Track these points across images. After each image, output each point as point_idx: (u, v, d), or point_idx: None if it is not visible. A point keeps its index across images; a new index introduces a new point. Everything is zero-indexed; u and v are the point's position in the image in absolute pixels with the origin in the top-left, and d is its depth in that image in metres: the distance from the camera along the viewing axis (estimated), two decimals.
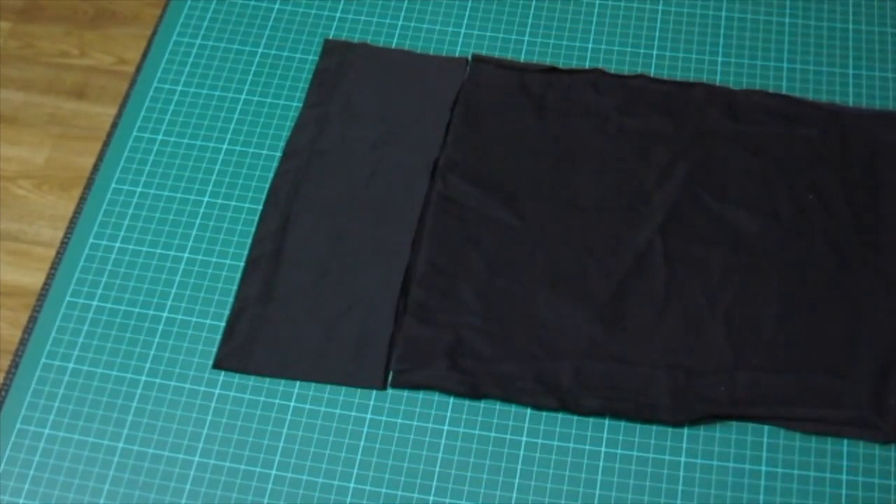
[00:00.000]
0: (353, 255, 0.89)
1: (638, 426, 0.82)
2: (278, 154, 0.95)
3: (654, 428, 0.82)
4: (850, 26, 1.02)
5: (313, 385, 0.84)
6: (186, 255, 0.90)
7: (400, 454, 0.81)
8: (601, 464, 0.81)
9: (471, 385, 0.83)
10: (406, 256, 0.89)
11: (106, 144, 0.97)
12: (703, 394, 0.81)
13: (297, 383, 0.84)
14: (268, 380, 0.84)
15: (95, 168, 0.96)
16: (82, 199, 0.94)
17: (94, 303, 0.88)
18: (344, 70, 0.98)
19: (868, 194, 0.90)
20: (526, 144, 0.93)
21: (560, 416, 0.83)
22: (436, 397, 0.83)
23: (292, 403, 0.83)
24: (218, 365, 0.84)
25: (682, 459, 0.81)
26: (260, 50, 1.01)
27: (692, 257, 0.87)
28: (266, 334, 0.85)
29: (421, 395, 0.83)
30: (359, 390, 0.84)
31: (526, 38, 1.02)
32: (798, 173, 0.90)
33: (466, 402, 0.83)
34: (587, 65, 1.00)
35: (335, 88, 0.97)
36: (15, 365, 0.86)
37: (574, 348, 0.83)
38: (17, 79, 1.95)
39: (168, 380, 0.84)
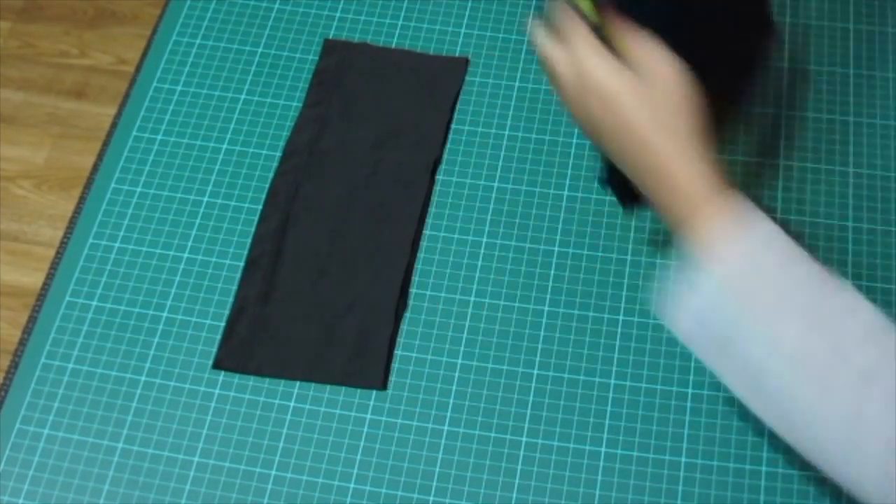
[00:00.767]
0: (353, 255, 0.89)
1: (638, 426, 0.82)
2: (278, 154, 0.95)
3: (654, 428, 0.82)
4: (851, 26, 1.02)
5: (313, 385, 0.84)
6: (186, 255, 0.90)
7: (400, 454, 0.81)
8: (601, 464, 0.81)
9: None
10: (406, 256, 0.89)
11: (106, 144, 0.97)
12: None
13: (297, 383, 0.84)
14: (268, 380, 0.84)
15: (95, 168, 0.96)
16: (82, 199, 0.94)
17: (94, 303, 0.88)
18: (344, 70, 0.98)
19: None
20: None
21: (560, 416, 0.83)
22: (436, 397, 0.83)
23: (292, 403, 0.83)
24: (218, 365, 0.84)
25: (683, 459, 0.81)
26: (260, 50, 1.01)
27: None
28: (266, 334, 0.85)
29: (421, 395, 0.83)
30: (359, 390, 0.84)
31: (526, 38, 1.02)
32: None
33: (466, 402, 0.83)
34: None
35: (335, 88, 0.97)
36: (15, 365, 0.86)
37: None
38: (17, 78, 1.95)
39: (168, 380, 0.84)
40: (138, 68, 1.01)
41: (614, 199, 0.82)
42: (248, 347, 0.85)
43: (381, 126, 0.95)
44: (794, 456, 0.80)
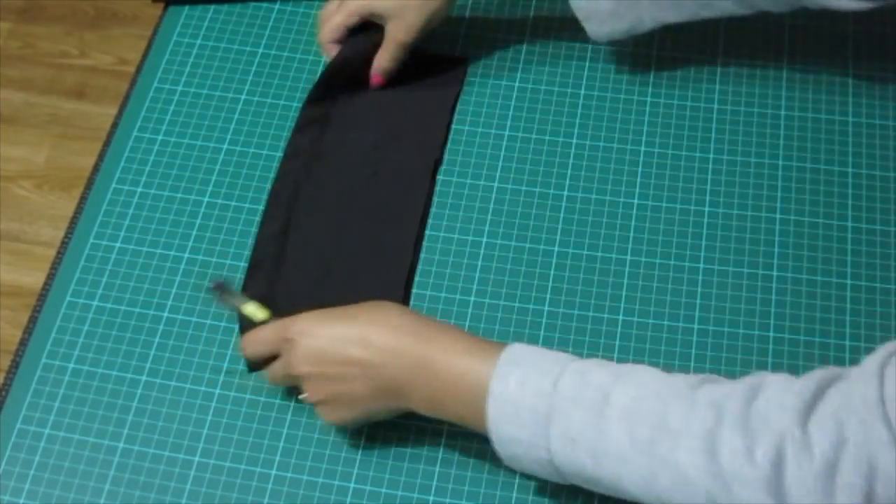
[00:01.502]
0: (357, 256, 0.89)
1: None
2: (278, 154, 0.95)
3: None
4: (850, 26, 1.02)
5: None
6: (186, 255, 0.90)
7: (400, 454, 0.81)
8: None
9: None
10: (409, 256, 0.89)
11: (106, 144, 0.97)
12: None
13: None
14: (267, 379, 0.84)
15: (95, 168, 0.96)
16: (82, 199, 0.94)
17: (95, 303, 0.88)
18: (345, 69, 0.98)
19: None
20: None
21: None
22: None
23: (292, 404, 0.83)
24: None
25: None
26: (260, 50, 1.01)
27: None
28: None
29: None
30: None
31: (525, 39, 1.02)
32: None
33: None
34: (587, 64, 1.00)
35: (336, 88, 0.97)
36: (15, 365, 0.86)
37: None
38: (18, 79, 1.95)
39: (168, 380, 0.84)
40: (139, 69, 1.02)
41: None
42: None
43: (381, 126, 0.95)
44: None
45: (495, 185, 0.94)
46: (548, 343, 0.86)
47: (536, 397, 0.70)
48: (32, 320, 0.88)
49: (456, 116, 0.97)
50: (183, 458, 0.81)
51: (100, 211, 0.93)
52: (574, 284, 0.89)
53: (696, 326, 0.87)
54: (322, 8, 1.00)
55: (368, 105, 0.97)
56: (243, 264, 0.89)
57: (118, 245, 0.91)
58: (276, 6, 1.04)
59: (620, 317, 0.87)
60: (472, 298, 0.88)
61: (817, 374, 0.67)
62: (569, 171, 0.94)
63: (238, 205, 0.93)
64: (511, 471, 0.80)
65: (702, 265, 0.90)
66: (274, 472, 0.81)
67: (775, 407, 0.65)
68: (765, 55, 1.00)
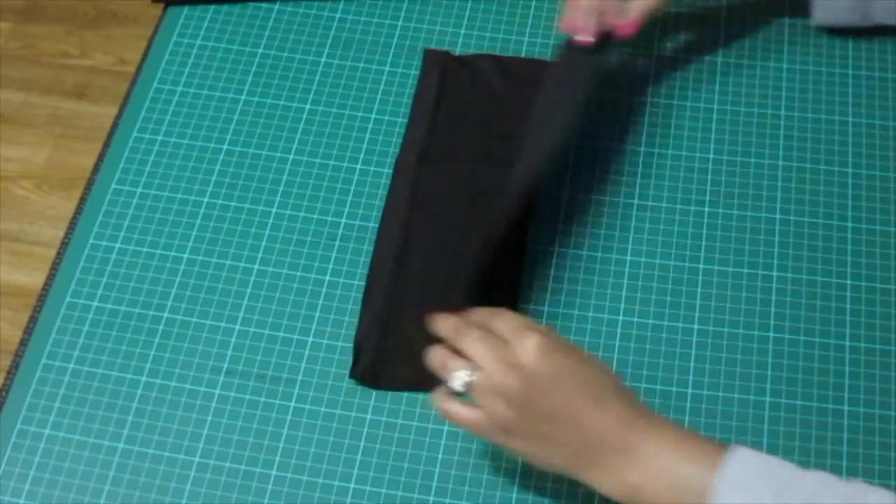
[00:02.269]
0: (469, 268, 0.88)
1: None
2: (278, 154, 0.95)
3: None
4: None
5: (313, 385, 0.84)
6: (186, 255, 0.90)
7: (400, 454, 0.81)
8: None
9: None
10: (516, 270, 0.88)
11: (106, 145, 0.97)
12: None
13: (298, 382, 0.84)
14: (266, 379, 0.84)
15: (96, 168, 0.96)
16: (82, 200, 0.94)
17: (95, 303, 0.88)
18: (444, 79, 0.98)
19: None
20: None
21: None
22: None
23: (292, 404, 0.83)
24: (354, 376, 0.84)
25: None
26: (260, 50, 1.01)
27: None
28: (395, 351, 0.85)
29: (421, 395, 0.84)
30: (359, 390, 0.84)
31: (526, 39, 1.02)
32: None
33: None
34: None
35: (439, 98, 0.97)
36: (15, 365, 0.86)
37: None
38: (18, 79, 1.95)
39: (168, 380, 0.84)
40: (139, 69, 1.02)
41: None
42: (377, 365, 0.84)
43: (486, 133, 0.95)
44: (793, 457, 0.80)
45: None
46: None
47: None
48: (32, 320, 0.88)
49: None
50: (183, 458, 0.81)
51: (100, 211, 0.93)
52: (574, 285, 0.89)
53: (696, 327, 0.87)
54: None
55: (472, 113, 0.96)
56: (243, 265, 0.89)
57: (118, 245, 0.91)
58: (276, 6, 1.04)
59: (620, 317, 0.87)
60: None
61: None
62: (569, 172, 0.94)
63: (238, 205, 0.93)
64: (511, 471, 0.80)
65: (702, 265, 0.90)
66: (274, 472, 0.81)
67: None
68: (765, 55, 1.00)
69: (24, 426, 0.83)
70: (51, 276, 0.90)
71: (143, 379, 0.84)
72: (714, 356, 0.85)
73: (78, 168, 1.85)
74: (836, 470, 0.80)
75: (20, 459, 0.81)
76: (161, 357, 0.85)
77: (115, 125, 0.99)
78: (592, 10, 0.91)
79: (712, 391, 0.84)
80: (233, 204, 0.93)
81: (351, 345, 0.86)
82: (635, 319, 0.87)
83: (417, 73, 0.99)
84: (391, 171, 0.94)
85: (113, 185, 0.94)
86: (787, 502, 0.63)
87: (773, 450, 0.81)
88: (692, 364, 0.85)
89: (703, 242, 0.91)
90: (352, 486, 0.80)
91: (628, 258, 0.90)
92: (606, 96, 0.98)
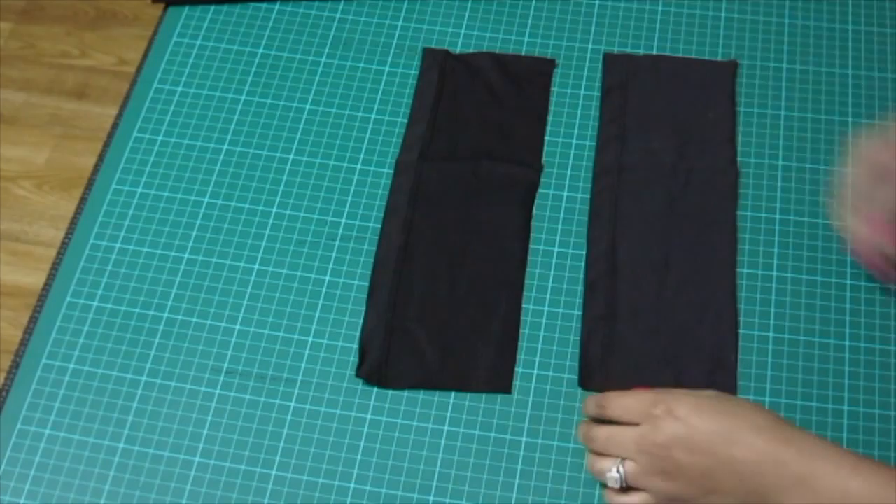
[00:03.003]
0: (681, 265, 0.88)
1: None
2: (278, 154, 0.95)
3: None
4: (850, 27, 1.02)
5: (313, 385, 0.84)
6: (186, 255, 0.90)
7: (400, 454, 0.81)
8: None
9: None
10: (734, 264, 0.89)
11: (106, 145, 0.97)
12: None
13: (298, 382, 0.84)
14: (266, 379, 0.84)
15: (96, 168, 0.96)
16: (83, 200, 0.94)
17: (95, 303, 0.88)
18: (627, 83, 0.98)
19: None
20: None
21: (560, 416, 0.83)
22: (436, 397, 0.84)
23: (293, 404, 0.83)
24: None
25: None
26: (260, 50, 1.01)
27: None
28: (618, 351, 0.85)
29: (421, 395, 0.84)
30: (359, 390, 0.84)
31: (526, 39, 1.02)
32: None
33: (466, 403, 0.83)
34: (587, 65, 1.00)
35: (625, 103, 0.97)
36: (15, 365, 0.86)
37: None
38: (18, 79, 1.95)
39: (168, 380, 0.84)
40: (139, 69, 1.02)
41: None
42: (604, 365, 0.85)
43: (677, 134, 0.95)
44: None
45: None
46: (548, 343, 0.86)
47: None
48: (32, 320, 0.88)
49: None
50: (183, 458, 0.81)
51: (100, 211, 0.93)
52: (574, 285, 0.89)
53: None
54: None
55: (662, 115, 0.96)
56: (243, 265, 0.89)
57: (118, 245, 0.91)
58: (276, 6, 1.04)
59: None
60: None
61: None
62: (568, 172, 0.94)
63: (238, 205, 0.93)
64: (511, 471, 0.80)
65: None
66: (274, 472, 0.81)
67: None
68: (764, 55, 1.00)
69: (24, 426, 0.83)
70: (51, 276, 0.90)
71: (143, 379, 0.84)
72: None
73: (78, 168, 1.85)
74: None
75: (20, 459, 0.81)
76: (161, 357, 0.85)
77: (115, 125, 0.98)
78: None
79: None
80: (233, 204, 0.93)
81: (351, 344, 0.86)
82: None
83: (417, 73, 0.99)
84: (391, 171, 0.94)
85: (113, 185, 0.94)
86: None
87: None
88: None
89: None
90: (352, 486, 0.80)
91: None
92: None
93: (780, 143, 0.96)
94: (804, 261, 0.90)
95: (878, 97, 0.98)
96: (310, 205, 0.93)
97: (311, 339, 0.86)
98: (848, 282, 0.88)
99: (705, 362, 0.84)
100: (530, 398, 0.83)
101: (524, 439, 0.82)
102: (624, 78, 0.98)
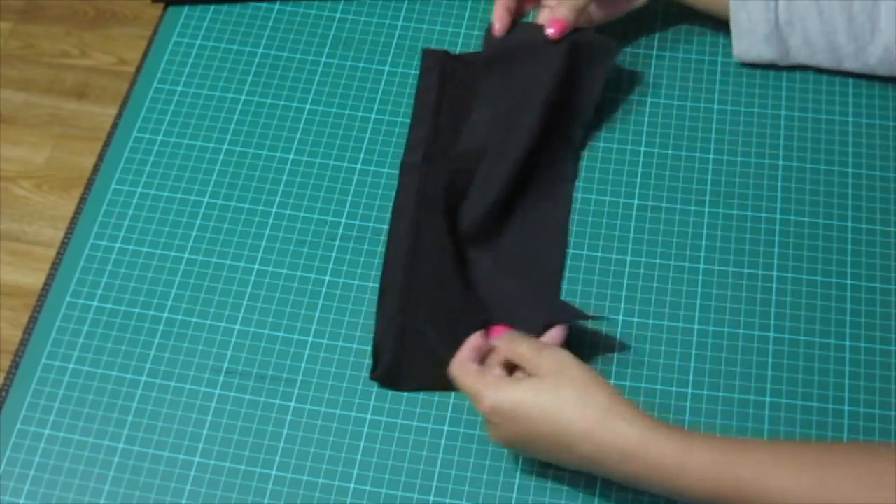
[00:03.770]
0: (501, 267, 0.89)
1: None
2: (278, 154, 0.95)
3: None
4: None
5: (313, 385, 0.84)
6: (186, 255, 0.90)
7: (400, 454, 0.81)
8: None
9: None
10: (560, 269, 0.89)
11: (106, 145, 0.97)
12: None
13: (298, 382, 0.84)
14: (267, 379, 0.84)
15: (96, 168, 0.96)
16: (82, 200, 0.94)
17: (95, 303, 0.88)
18: (443, 79, 0.98)
19: None
20: None
21: None
22: (436, 397, 0.84)
23: (292, 404, 0.83)
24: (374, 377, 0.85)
25: None
26: (260, 50, 1.01)
27: None
28: (412, 351, 0.85)
29: (421, 395, 0.84)
30: (359, 389, 0.84)
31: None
32: None
33: (466, 403, 0.83)
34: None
35: (440, 99, 0.97)
36: (15, 365, 0.86)
37: None
38: (18, 79, 1.95)
39: (168, 380, 0.84)
40: (139, 69, 1.02)
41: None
42: (395, 366, 0.85)
43: (492, 129, 0.94)
44: None
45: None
46: None
47: None
48: (32, 320, 0.88)
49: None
50: (183, 458, 0.81)
51: (100, 211, 0.93)
52: (574, 285, 0.89)
53: (696, 326, 0.87)
54: None
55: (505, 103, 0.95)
56: (243, 265, 0.90)
57: (118, 245, 0.91)
58: (276, 6, 1.04)
59: (620, 317, 0.87)
60: None
61: None
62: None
63: (238, 205, 0.93)
64: (511, 471, 0.80)
65: (702, 265, 0.90)
66: (274, 472, 0.81)
67: None
68: None
69: (24, 426, 0.83)
70: (51, 276, 0.90)
71: (143, 379, 0.84)
72: (714, 356, 0.85)
73: (78, 168, 1.85)
74: None
75: (20, 459, 0.81)
76: (161, 357, 0.85)
77: (115, 125, 0.99)
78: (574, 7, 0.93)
79: (712, 391, 0.84)
80: (233, 204, 0.93)
81: (351, 345, 0.86)
82: (635, 319, 0.87)
83: (417, 72, 0.99)
84: (391, 172, 0.94)
85: (113, 185, 0.94)
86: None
87: None
88: (692, 364, 0.85)
89: (703, 242, 0.91)
90: (352, 486, 0.80)
91: (628, 258, 0.90)
92: (607, 96, 0.98)
93: (781, 143, 0.96)
94: (804, 261, 0.90)
95: (879, 96, 0.98)
96: (310, 205, 0.93)
97: (311, 339, 0.86)
98: (848, 282, 0.89)
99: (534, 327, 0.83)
100: None
101: None
102: (440, 73, 0.97)
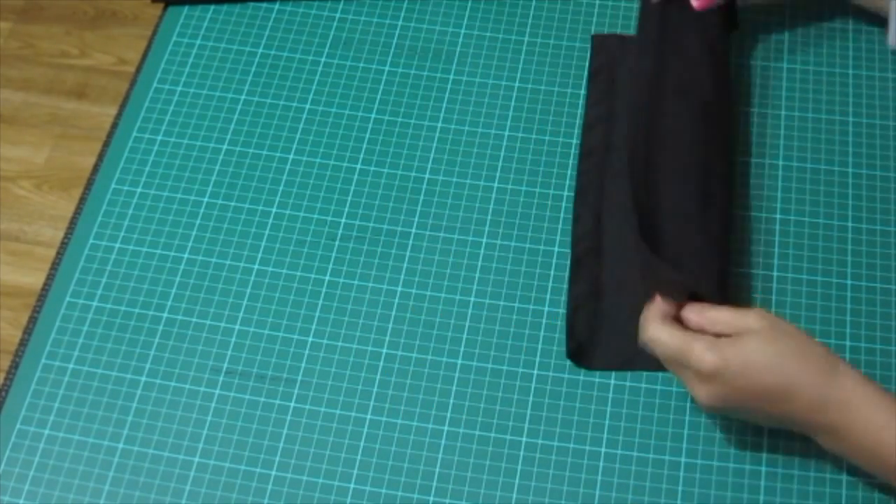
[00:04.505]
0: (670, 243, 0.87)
1: (638, 426, 0.82)
2: (278, 154, 0.95)
3: (654, 428, 0.82)
4: (850, 26, 1.02)
5: (313, 384, 0.84)
6: (186, 255, 0.90)
7: (400, 454, 0.81)
8: (601, 464, 0.81)
9: None
10: (724, 244, 0.88)
11: (106, 145, 0.97)
12: None
13: (298, 382, 0.84)
14: (267, 379, 0.84)
15: (95, 168, 0.96)
16: (82, 200, 0.94)
17: (94, 303, 0.88)
18: (614, 66, 0.98)
19: None
20: None
21: (560, 416, 0.83)
22: (436, 398, 0.84)
23: (292, 404, 0.83)
24: (574, 357, 0.85)
25: (682, 460, 0.81)
26: (260, 50, 1.01)
27: None
28: (604, 330, 0.85)
29: (421, 395, 0.84)
30: (359, 390, 0.84)
31: (526, 38, 1.02)
32: None
33: (466, 403, 0.83)
34: (587, 65, 1.00)
35: (612, 84, 0.97)
36: (15, 365, 0.86)
37: None
38: (18, 79, 1.95)
39: (168, 380, 0.84)
40: (139, 69, 1.02)
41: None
42: (588, 345, 0.85)
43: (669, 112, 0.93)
44: (794, 456, 0.80)
45: (495, 185, 0.94)
46: (548, 343, 0.86)
47: None
48: (32, 320, 0.88)
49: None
50: (183, 458, 0.81)
51: (100, 211, 0.93)
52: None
53: None
54: None
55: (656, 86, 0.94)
56: (243, 265, 0.90)
57: (118, 245, 0.91)
58: (276, 6, 1.04)
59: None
60: (473, 299, 0.88)
61: None
62: (568, 171, 0.94)
63: (238, 205, 0.93)
64: (511, 471, 0.80)
65: None
66: (274, 472, 0.81)
67: None
68: (764, 55, 1.00)
69: (24, 426, 0.83)
70: (51, 276, 0.90)
71: (143, 379, 0.84)
72: None
73: (78, 168, 1.85)
74: (837, 469, 0.80)
75: (20, 459, 0.81)
76: (161, 357, 0.85)
77: (114, 125, 0.99)
78: None
79: None
80: (233, 204, 0.93)
81: (351, 345, 0.86)
82: None
83: (417, 72, 0.99)
84: (391, 172, 0.94)
85: (113, 185, 0.94)
86: None
87: (774, 450, 0.81)
88: None
89: None
90: (352, 486, 0.80)
91: None
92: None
93: (781, 143, 0.96)
94: (804, 261, 0.90)
95: (879, 96, 0.98)
96: (310, 205, 0.93)
97: (311, 339, 0.86)
98: (848, 282, 0.89)
99: None
100: (530, 398, 0.83)
101: (524, 439, 0.82)
102: (608, 59, 0.98)
